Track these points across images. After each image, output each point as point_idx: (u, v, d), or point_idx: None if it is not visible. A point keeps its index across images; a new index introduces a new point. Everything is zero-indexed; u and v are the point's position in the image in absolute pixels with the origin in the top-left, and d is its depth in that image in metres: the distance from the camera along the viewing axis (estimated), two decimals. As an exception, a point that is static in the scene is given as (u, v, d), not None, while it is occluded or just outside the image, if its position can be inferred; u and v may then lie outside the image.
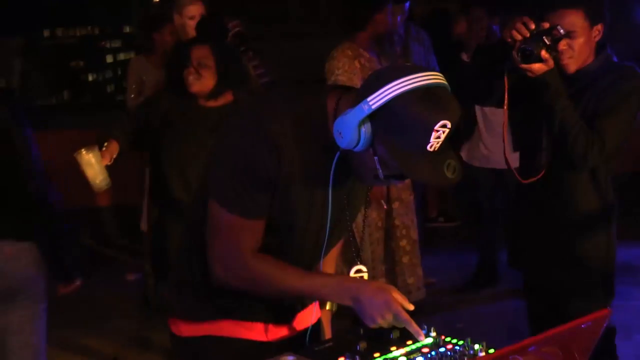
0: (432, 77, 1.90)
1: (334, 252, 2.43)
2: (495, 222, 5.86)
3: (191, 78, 3.80)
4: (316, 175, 2.06)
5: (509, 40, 2.94)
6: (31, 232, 3.09)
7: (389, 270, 4.95)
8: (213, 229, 2.09)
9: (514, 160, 5.48)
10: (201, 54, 3.81)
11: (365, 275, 2.24)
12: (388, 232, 4.92)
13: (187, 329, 2.26)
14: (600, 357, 1.76)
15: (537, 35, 2.91)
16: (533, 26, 2.91)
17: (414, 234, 5.02)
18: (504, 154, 3.14)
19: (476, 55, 5.01)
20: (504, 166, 5.48)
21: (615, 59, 3.10)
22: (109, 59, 12.28)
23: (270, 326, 2.25)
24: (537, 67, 2.91)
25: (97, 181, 3.78)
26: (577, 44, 2.97)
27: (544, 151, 3.07)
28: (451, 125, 1.88)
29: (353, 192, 2.19)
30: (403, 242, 4.97)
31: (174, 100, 3.93)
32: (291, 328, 2.29)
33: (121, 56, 12.43)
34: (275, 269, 2.10)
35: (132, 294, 5.43)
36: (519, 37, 2.92)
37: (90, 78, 12.03)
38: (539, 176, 3.06)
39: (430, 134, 1.87)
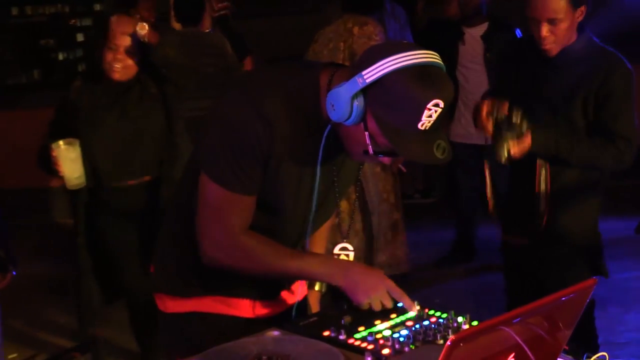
0: (428, 56, 1.90)
1: (323, 230, 2.43)
2: (473, 199, 5.89)
3: (116, 65, 3.67)
4: (306, 152, 2.06)
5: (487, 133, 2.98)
6: None
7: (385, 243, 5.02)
8: (203, 204, 2.08)
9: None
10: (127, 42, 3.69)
11: (351, 254, 2.25)
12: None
13: (173, 305, 2.26)
14: (578, 329, 1.78)
15: (498, 133, 2.93)
16: (491, 123, 2.92)
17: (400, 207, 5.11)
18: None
19: None
20: (484, 142, 5.59)
21: (597, 41, 3.11)
22: (80, 37, 12.15)
23: (257, 303, 2.25)
24: (515, 153, 2.93)
25: (73, 178, 3.58)
26: (560, 29, 2.97)
27: (542, 198, 3.11)
28: (444, 105, 1.88)
29: (343, 168, 2.19)
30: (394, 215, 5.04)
31: (87, 84, 3.83)
32: (277, 305, 2.29)
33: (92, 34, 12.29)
34: (265, 248, 2.10)
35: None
36: (489, 134, 2.96)
37: (60, 57, 11.89)
38: (541, 224, 3.13)
39: (422, 112, 1.86)
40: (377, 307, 2.08)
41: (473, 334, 1.31)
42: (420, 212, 6.97)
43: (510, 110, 2.89)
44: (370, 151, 1.96)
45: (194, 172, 2.15)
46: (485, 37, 5.47)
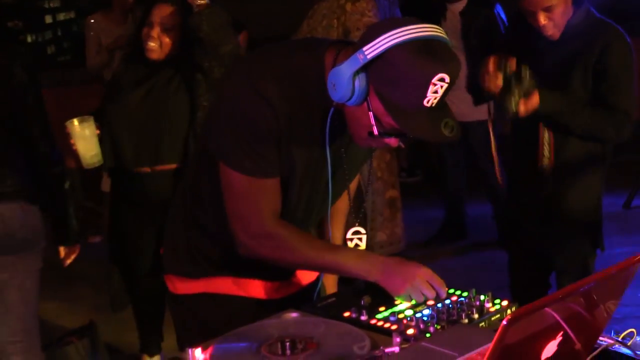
0: (431, 30, 1.83)
1: (340, 214, 2.37)
2: (460, 176, 5.88)
3: (150, 44, 3.49)
4: (313, 133, 2.00)
5: (488, 90, 2.91)
6: (38, 194, 3.06)
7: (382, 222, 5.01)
8: (230, 194, 2.02)
9: (478, 111, 5.55)
10: (163, 16, 3.48)
11: (364, 237, 2.20)
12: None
13: (183, 287, 2.22)
14: None
15: (507, 87, 2.87)
16: (500, 77, 2.87)
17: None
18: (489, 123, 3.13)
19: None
20: (468, 119, 5.58)
21: (597, 14, 3.08)
22: (48, 19, 11.98)
23: (268, 284, 2.21)
24: (523, 111, 2.88)
25: (89, 156, 3.43)
26: (557, 14, 2.96)
27: (545, 146, 3.08)
28: (450, 80, 1.81)
29: (351, 150, 2.13)
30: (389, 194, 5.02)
31: (127, 64, 3.69)
32: (291, 285, 2.25)
33: (61, 16, 12.12)
34: (300, 238, 2.04)
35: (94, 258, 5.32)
36: (496, 90, 2.87)
37: (29, 39, 11.72)
38: (548, 172, 3.10)
39: (428, 87, 1.79)
40: (418, 299, 2.00)
41: (525, 313, 1.27)
42: (407, 190, 6.93)
43: (518, 65, 2.84)
44: (375, 132, 1.88)
45: (201, 155, 2.10)
46: (463, 13, 5.41)
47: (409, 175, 7.40)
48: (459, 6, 5.45)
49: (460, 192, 5.91)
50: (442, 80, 1.80)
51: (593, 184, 3.15)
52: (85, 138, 3.40)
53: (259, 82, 1.93)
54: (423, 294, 1.99)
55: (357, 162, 2.23)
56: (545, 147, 3.07)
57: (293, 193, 2.07)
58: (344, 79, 1.84)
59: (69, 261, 3.36)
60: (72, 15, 11.61)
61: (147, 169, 3.58)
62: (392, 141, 1.93)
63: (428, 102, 1.81)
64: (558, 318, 1.44)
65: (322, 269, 2.09)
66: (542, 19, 2.91)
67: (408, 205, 6.38)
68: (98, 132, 3.43)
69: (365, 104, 1.86)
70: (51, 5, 11.79)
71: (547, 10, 2.91)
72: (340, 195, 2.27)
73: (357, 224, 2.21)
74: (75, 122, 3.40)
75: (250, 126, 1.94)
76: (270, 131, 1.95)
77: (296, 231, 2.05)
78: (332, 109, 1.95)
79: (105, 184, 4.94)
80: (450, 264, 5.46)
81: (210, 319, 2.15)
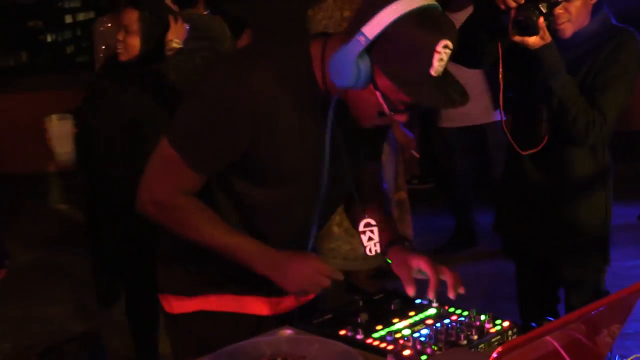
0: None
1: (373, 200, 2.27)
2: (469, 183, 5.81)
3: (118, 47, 3.53)
4: (306, 125, 1.95)
5: (502, 6, 2.81)
6: None
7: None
8: (154, 161, 2.01)
9: (496, 114, 5.46)
10: (128, 19, 3.53)
11: (376, 230, 2.13)
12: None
13: (179, 305, 2.15)
14: None
15: (531, 3, 2.77)
16: None
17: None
18: (503, 125, 3.02)
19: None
20: (478, 122, 5.51)
21: (614, 20, 2.98)
22: (68, 19, 12.02)
23: (267, 300, 2.15)
24: (532, 41, 2.78)
25: (62, 153, 3.49)
26: (574, 6, 2.84)
27: (544, 122, 2.96)
28: (452, 46, 1.80)
29: (352, 140, 2.06)
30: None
31: (108, 67, 3.70)
32: (289, 301, 2.18)
33: (80, 16, 12.15)
34: (203, 216, 2.00)
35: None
36: (513, 5, 2.78)
37: (49, 39, 11.76)
38: (538, 148, 2.96)
39: (433, 56, 1.77)
40: (313, 291, 2.02)
41: (518, 344, 1.21)
42: (419, 197, 6.87)
43: None
44: (387, 110, 1.85)
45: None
46: None
47: (421, 182, 7.33)
48: (464, 15, 5.36)
49: (468, 199, 5.85)
50: (446, 47, 1.79)
51: (599, 197, 3.06)
52: (61, 136, 3.45)
53: (243, 76, 1.89)
54: (319, 285, 1.99)
55: (362, 151, 2.15)
56: (544, 123, 2.96)
57: (293, 185, 2.01)
58: (349, 64, 1.80)
59: None
60: (91, 15, 11.60)
61: (122, 172, 3.57)
62: (402, 117, 1.91)
63: (435, 70, 1.79)
64: (557, 346, 1.38)
65: (218, 249, 2.01)
66: (558, 8, 2.82)
67: (419, 212, 6.32)
68: (75, 131, 3.47)
69: (372, 84, 1.83)
70: (71, 5, 11.82)
71: None
72: (344, 192, 2.18)
73: (367, 216, 2.13)
74: (54, 118, 3.46)
75: (214, 120, 1.90)
76: (234, 131, 1.90)
77: (202, 209, 2.00)
78: (334, 98, 1.91)
79: None
80: (461, 273, 5.38)
81: (208, 338, 2.08)
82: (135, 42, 3.51)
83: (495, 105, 5.46)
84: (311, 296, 2.18)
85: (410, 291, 2.05)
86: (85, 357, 3.48)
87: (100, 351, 3.56)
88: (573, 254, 3.09)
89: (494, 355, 1.15)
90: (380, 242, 2.17)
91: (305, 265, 1.99)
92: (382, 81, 1.82)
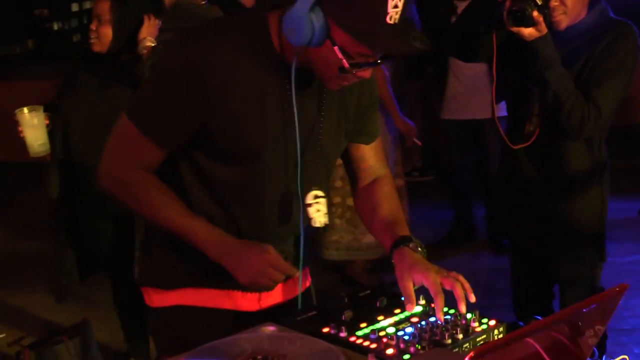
0: None
1: (386, 193, 2.21)
2: (469, 177, 5.79)
3: (91, 36, 3.61)
4: (267, 96, 1.91)
5: None
6: None
7: None
8: (113, 136, 1.99)
9: (499, 110, 5.43)
10: (101, 9, 3.60)
11: (323, 201, 2.07)
12: None
13: (158, 299, 2.12)
14: None
15: None
16: None
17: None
18: (494, 117, 2.99)
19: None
20: (479, 116, 5.48)
21: (611, 13, 2.94)
22: (75, 7, 11.99)
23: (248, 295, 2.11)
24: (527, 32, 2.74)
25: (36, 145, 3.53)
26: None
27: (534, 117, 2.93)
28: None
29: (330, 109, 2.02)
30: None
31: (85, 58, 3.73)
32: (272, 298, 2.15)
33: (87, 4, 12.11)
34: (159, 193, 1.98)
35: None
36: None
37: (55, 27, 11.74)
38: (529, 142, 2.92)
39: (387, 3, 1.72)
40: (265, 284, 1.98)
41: (495, 346, 1.17)
42: (419, 190, 6.84)
43: None
44: (346, 65, 1.80)
45: (169, 162, 2.01)
46: None
47: (422, 175, 7.30)
48: None
49: (467, 192, 5.82)
50: None
51: (595, 193, 3.02)
52: (34, 127, 3.49)
53: (193, 45, 1.86)
54: (272, 280, 1.97)
55: (332, 122, 2.07)
56: (534, 118, 2.93)
57: (262, 157, 1.96)
58: (302, 19, 1.76)
59: None
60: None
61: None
62: (366, 73, 1.87)
63: (390, 18, 1.74)
64: (538, 347, 1.36)
65: (171, 231, 1.99)
66: (554, 0, 2.78)
67: (419, 205, 6.30)
68: (47, 122, 3.52)
69: (329, 40, 1.79)
70: (78, -7, 11.82)
71: None
72: (325, 159, 2.10)
73: (314, 188, 2.07)
74: (25, 110, 3.49)
75: (167, 89, 1.88)
76: (188, 99, 1.86)
77: (160, 187, 1.98)
78: (295, 60, 1.86)
79: None
80: (459, 267, 5.34)
81: (186, 333, 2.05)
82: (107, 32, 3.57)
83: (497, 99, 5.41)
84: (297, 292, 2.14)
85: (410, 308, 1.96)
86: (77, 348, 3.45)
87: (92, 342, 3.53)
88: (568, 250, 3.06)
89: (466, 359, 1.12)
90: (385, 240, 2.11)
91: (260, 257, 1.96)
92: (338, 35, 1.78)
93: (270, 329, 1.91)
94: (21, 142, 3.56)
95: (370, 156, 2.22)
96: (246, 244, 1.98)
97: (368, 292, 2.10)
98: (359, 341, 1.83)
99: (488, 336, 1.87)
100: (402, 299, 1.98)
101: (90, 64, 3.65)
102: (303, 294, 2.17)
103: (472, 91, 5.52)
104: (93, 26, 3.60)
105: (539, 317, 1.95)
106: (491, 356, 1.21)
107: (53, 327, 3.90)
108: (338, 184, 4.78)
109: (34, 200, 7.38)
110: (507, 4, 2.75)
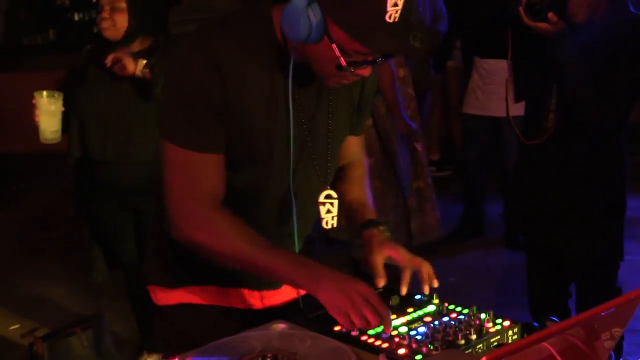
0: None
1: (357, 178, 2.20)
2: (483, 173, 5.75)
3: (104, 23, 3.58)
4: (275, 90, 1.88)
5: None
6: None
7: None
8: (167, 170, 1.89)
9: (516, 109, 5.41)
10: None
11: (335, 202, 2.04)
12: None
13: (165, 297, 2.10)
14: None
15: None
16: None
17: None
18: (507, 113, 2.95)
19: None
20: (500, 114, 5.44)
21: (632, 8, 2.89)
22: (95, -3, 11.95)
23: (255, 293, 2.09)
24: (545, 26, 2.70)
25: (49, 132, 3.45)
26: None
27: (551, 113, 2.88)
28: None
29: (333, 109, 2.00)
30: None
31: (94, 53, 3.71)
32: (280, 295, 2.12)
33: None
34: (237, 229, 1.87)
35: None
36: None
37: (76, 17, 11.72)
38: (544, 139, 2.88)
39: (386, 1, 1.66)
40: (360, 324, 1.80)
41: (509, 351, 1.14)
42: (435, 185, 6.79)
43: None
44: (343, 63, 1.76)
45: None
46: None
47: (439, 170, 7.25)
48: None
49: (480, 188, 5.78)
50: None
51: (613, 191, 2.98)
52: (50, 113, 3.42)
53: (204, 45, 1.83)
54: (365, 319, 1.79)
55: (342, 119, 2.06)
56: (550, 114, 2.89)
57: (267, 157, 1.92)
58: (299, 15, 1.73)
59: None
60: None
61: (114, 160, 3.58)
62: (364, 71, 1.83)
63: (390, 17, 1.68)
64: (554, 352, 1.32)
65: (255, 268, 1.88)
66: None
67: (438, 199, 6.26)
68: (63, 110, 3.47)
69: (326, 37, 1.75)
70: (99, -18, 11.78)
71: None
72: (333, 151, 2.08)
73: (328, 188, 2.04)
74: (45, 94, 3.43)
75: (190, 95, 1.83)
76: (212, 99, 1.82)
77: (235, 220, 1.88)
78: (293, 56, 1.83)
79: None
80: (468, 262, 5.32)
81: (192, 332, 2.02)
82: (122, 19, 3.55)
83: (517, 98, 5.38)
84: (302, 291, 2.11)
85: (380, 282, 1.97)
86: (90, 340, 3.45)
87: (105, 334, 3.53)
88: (585, 248, 3.02)
89: (479, 364, 1.09)
90: (354, 220, 2.12)
91: (356, 288, 1.82)
92: (336, 32, 1.74)
93: (280, 326, 1.88)
94: (35, 132, 3.53)
95: (354, 144, 2.21)
96: (338, 275, 1.85)
97: (380, 290, 2.07)
98: (371, 340, 1.80)
99: (502, 337, 1.84)
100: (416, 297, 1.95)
101: (101, 54, 3.61)
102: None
103: (491, 87, 5.48)
104: (106, 14, 3.57)
105: (554, 318, 1.92)
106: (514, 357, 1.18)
107: (67, 319, 3.89)
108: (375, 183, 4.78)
109: (45, 191, 7.42)
110: None
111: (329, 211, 2.04)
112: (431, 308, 1.96)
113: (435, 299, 1.99)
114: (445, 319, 1.90)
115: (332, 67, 1.80)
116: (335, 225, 2.06)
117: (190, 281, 2.06)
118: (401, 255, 2.01)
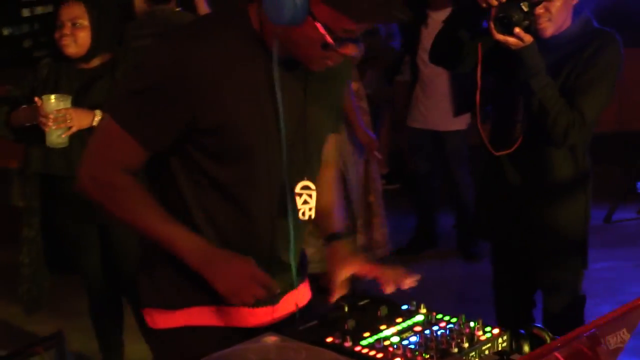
0: None
1: (327, 182, 2.22)
2: (433, 185, 5.82)
3: (65, 40, 3.50)
4: (259, 87, 1.89)
5: (484, 5, 2.78)
6: None
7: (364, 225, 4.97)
8: (95, 136, 1.98)
9: (458, 121, 5.49)
10: (75, 13, 3.51)
11: (313, 193, 2.04)
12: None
13: (163, 320, 2.04)
14: (571, 327, 1.63)
15: (513, 2, 2.75)
16: None
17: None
18: (478, 124, 2.99)
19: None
20: (445, 128, 5.53)
21: (595, 23, 2.97)
22: (26, 12, 11.76)
23: (252, 311, 2.05)
24: (513, 41, 2.76)
25: (55, 136, 3.38)
26: (555, 6, 2.83)
27: (518, 124, 2.94)
28: None
29: (315, 99, 2.00)
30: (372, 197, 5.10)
31: (53, 66, 3.64)
32: (278, 312, 2.09)
33: (39, 10, 11.91)
34: (140, 199, 1.93)
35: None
36: (495, 3, 2.75)
37: (5, 32, 11.50)
38: (512, 149, 2.94)
39: None
40: (247, 300, 1.93)
41: None
42: (385, 198, 6.83)
43: None
44: (330, 40, 1.78)
45: (156, 174, 1.99)
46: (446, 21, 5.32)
47: (389, 183, 7.30)
48: (442, 15, 5.36)
49: (430, 200, 5.85)
50: None
51: (579, 201, 3.05)
52: (58, 117, 3.34)
53: (178, 42, 1.86)
54: (253, 295, 1.92)
55: (325, 111, 2.07)
56: (518, 125, 2.95)
57: (255, 151, 1.93)
58: None
59: None
60: (50, 8, 11.39)
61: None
62: (349, 49, 1.84)
63: None
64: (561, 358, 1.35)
65: (151, 237, 1.95)
66: (539, 8, 2.79)
67: (387, 212, 6.29)
68: None
69: (310, 17, 1.77)
70: (28, -3, 11.58)
71: None
72: (313, 149, 2.08)
73: (305, 179, 2.04)
74: (52, 97, 3.37)
75: (152, 88, 1.84)
76: (174, 105, 1.84)
77: (140, 191, 1.94)
78: (276, 43, 1.85)
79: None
80: (427, 275, 5.34)
81: (196, 355, 1.97)
82: (84, 36, 3.50)
83: (456, 112, 5.47)
84: (302, 303, 2.11)
85: (332, 299, 2.07)
86: (52, 360, 3.38)
87: (66, 354, 3.45)
88: (552, 257, 3.08)
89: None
90: (322, 229, 2.17)
91: (241, 269, 1.92)
92: (321, 10, 1.76)
93: (272, 339, 1.87)
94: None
95: (330, 143, 2.21)
96: (227, 255, 1.94)
97: (368, 300, 2.08)
98: (365, 351, 1.81)
99: (493, 344, 1.87)
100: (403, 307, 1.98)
101: (65, 69, 3.57)
102: (305, 305, 2.16)
103: (431, 101, 5.57)
104: (67, 30, 3.50)
105: (539, 325, 1.95)
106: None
107: (24, 339, 3.81)
108: None
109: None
110: (493, 11, 2.76)
111: (305, 202, 2.04)
112: (420, 318, 1.98)
113: (423, 308, 2.01)
114: (435, 327, 1.92)
115: (316, 49, 1.82)
116: (313, 217, 2.06)
117: (191, 302, 2.02)
118: (366, 268, 2.11)
